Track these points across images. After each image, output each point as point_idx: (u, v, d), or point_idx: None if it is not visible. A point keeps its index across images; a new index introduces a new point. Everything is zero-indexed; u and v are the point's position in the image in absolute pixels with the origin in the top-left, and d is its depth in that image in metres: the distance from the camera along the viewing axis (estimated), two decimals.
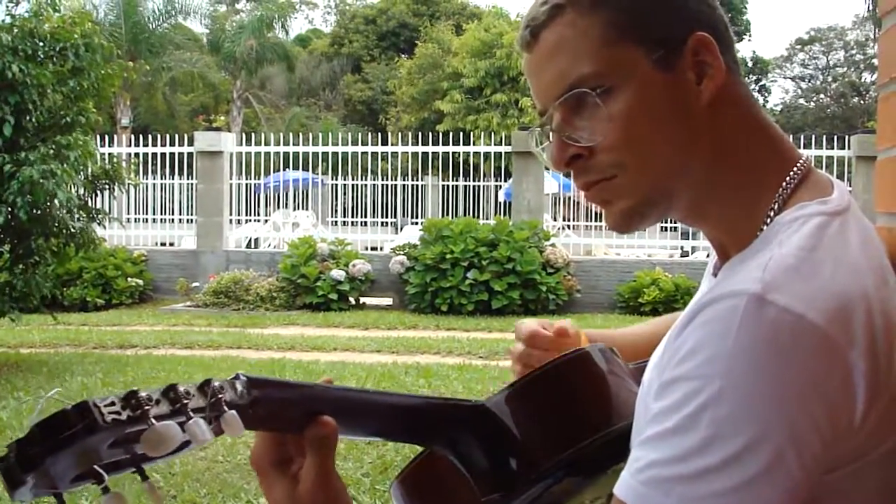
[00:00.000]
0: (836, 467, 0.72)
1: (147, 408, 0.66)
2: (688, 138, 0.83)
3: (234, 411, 0.72)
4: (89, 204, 7.58)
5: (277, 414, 0.80)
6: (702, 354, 0.71)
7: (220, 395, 0.72)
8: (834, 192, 0.84)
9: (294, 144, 13.46)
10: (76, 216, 7.15)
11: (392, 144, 14.88)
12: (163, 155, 14.16)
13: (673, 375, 0.73)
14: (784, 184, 0.84)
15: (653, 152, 0.83)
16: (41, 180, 6.41)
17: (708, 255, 1.05)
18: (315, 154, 14.12)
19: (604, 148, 0.83)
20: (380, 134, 17.93)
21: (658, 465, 0.72)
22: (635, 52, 0.82)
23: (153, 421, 0.66)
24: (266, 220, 15.84)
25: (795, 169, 0.85)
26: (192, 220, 13.82)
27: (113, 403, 0.65)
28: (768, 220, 0.82)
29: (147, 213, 15.86)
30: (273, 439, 0.85)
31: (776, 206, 0.82)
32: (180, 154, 13.87)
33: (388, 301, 11.97)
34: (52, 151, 6.70)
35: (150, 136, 13.96)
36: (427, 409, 0.93)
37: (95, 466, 0.66)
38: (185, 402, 0.69)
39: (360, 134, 16.31)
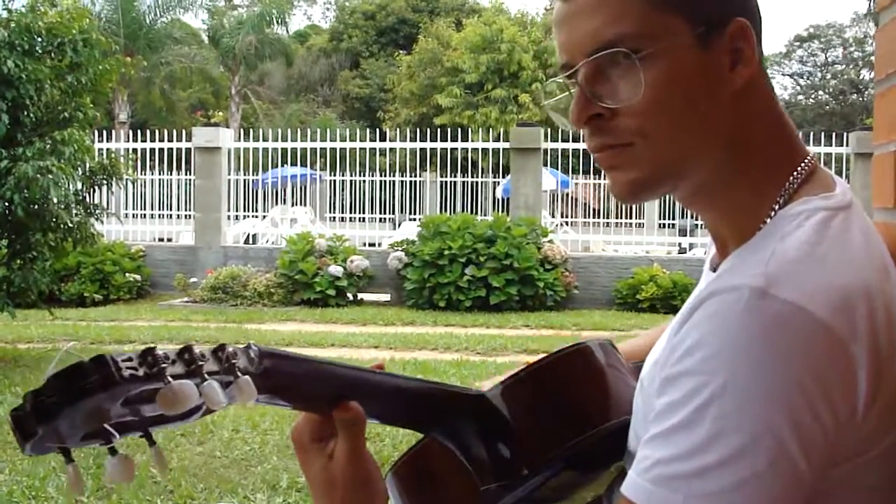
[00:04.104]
0: (839, 462, 0.72)
1: (164, 366, 0.66)
2: (712, 121, 0.82)
3: (247, 377, 0.72)
4: (87, 199, 7.57)
5: (287, 387, 0.81)
6: (704, 350, 0.71)
7: (233, 361, 0.72)
8: (837, 188, 0.84)
9: (292, 140, 13.45)
10: (74, 211, 7.14)
11: (390, 140, 14.87)
12: (161, 150, 14.13)
13: (675, 371, 0.73)
14: (790, 179, 0.83)
15: (677, 126, 0.81)
16: (37, 176, 6.40)
17: (706, 252, 1.05)
18: (313, 150, 14.12)
19: (629, 112, 0.81)
20: (378, 130, 17.93)
21: (665, 463, 0.71)
22: (679, 23, 0.80)
23: (170, 379, 0.66)
24: (264, 216, 15.81)
25: (802, 165, 0.85)
26: (190, 216, 13.81)
27: (130, 359, 0.65)
28: (772, 214, 0.82)
29: (145, 209, 15.84)
30: (314, 418, 0.88)
31: (781, 201, 0.82)
32: (178, 150, 13.86)
33: (385, 297, 11.97)
34: (48, 147, 6.69)
35: (148, 132, 13.94)
36: (430, 395, 0.93)
37: (106, 425, 0.66)
38: (201, 364, 0.69)
39: (358, 130, 16.31)
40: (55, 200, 6.67)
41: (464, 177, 18.22)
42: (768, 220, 0.81)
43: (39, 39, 6.95)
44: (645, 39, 0.79)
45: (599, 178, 17.56)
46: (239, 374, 0.72)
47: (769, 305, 0.70)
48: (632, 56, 0.79)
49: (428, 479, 0.96)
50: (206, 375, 0.69)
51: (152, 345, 0.68)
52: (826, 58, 43.19)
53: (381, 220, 17.33)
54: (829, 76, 42.97)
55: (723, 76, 0.82)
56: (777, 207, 0.82)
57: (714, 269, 0.93)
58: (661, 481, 0.71)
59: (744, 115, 0.83)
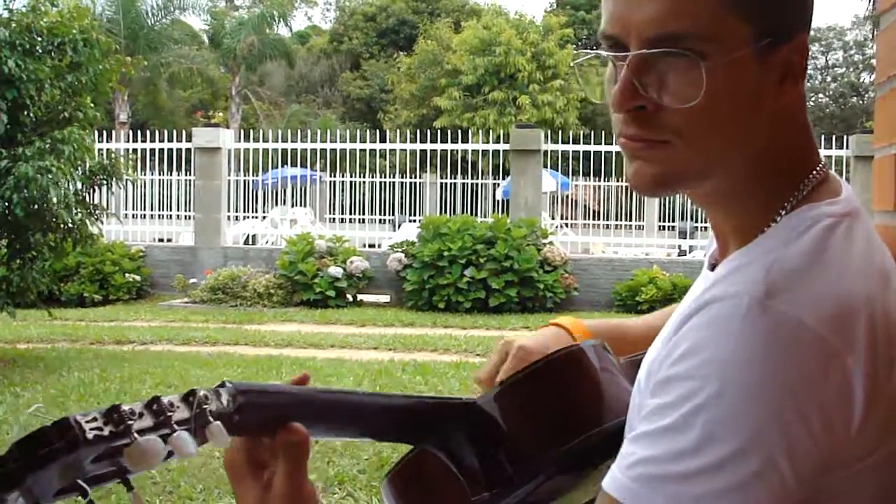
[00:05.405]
0: (830, 471, 0.72)
1: (130, 422, 0.66)
2: (749, 131, 0.80)
3: (218, 422, 0.71)
4: (87, 199, 7.57)
5: (262, 419, 0.79)
6: (700, 355, 0.71)
7: (204, 406, 0.72)
8: (843, 193, 0.83)
9: (292, 141, 13.45)
10: (74, 211, 7.14)
11: (390, 142, 14.87)
12: (161, 151, 14.14)
13: (670, 374, 0.73)
14: (801, 186, 0.83)
15: (717, 134, 0.79)
16: (37, 176, 6.40)
17: (705, 253, 1.04)
18: (313, 151, 14.11)
19: (675, 111, 0.78)
20: (378, 131, 17.93)
21: (649, 463, 0.71)
22: (745, 32, 0.77)
23: (136, 436, 0.65)
24: (264, 217, 15.82)
25: (815, 172, 0.84)
26: (189, 217, 13.81)
27: (95, 419, 0.65)
28: (777, 219, 0.81)
29: (145, 209, 15.84)
30: (248, 443, 0.84)
31: (788, 207, 0.82)
32: (178, 150, 13.86)
33: (385, 298, 11.96)
34: (48, 147, 6.69)
35: (148, 132, 13.94)
36: (417, 409, 0.92)
37: (79, 481, 0.66)
38: (170, 414, 0.69)
39: (358, 131, 16.31)
40: (55, 200, 6.66)
41: (464, 178, 18.22)
42: (772, 225, 0.81)
43: (40, 39, 6.95)
44: (710, 42, 0.76)
45: (599, 180, 17.58)
46: (210, 419, 0.71)
47: (767, 315, 0.70)
48: (697, 59, 0.76)
49: (421, 487, 0.96)
50: (175, 426, 0.68)
51: (117, 402, 0.68)
52: (826, 61, 43.21)
53: (380, 221, 17.32)
54: (829, 79, 42.99)
55: (770, 89, 0.80)
56: (783, 213, 0.81)
57: (712, 268, 0.93)
58: (643, 480, 0.71)
59: (778, 127, 0.82)
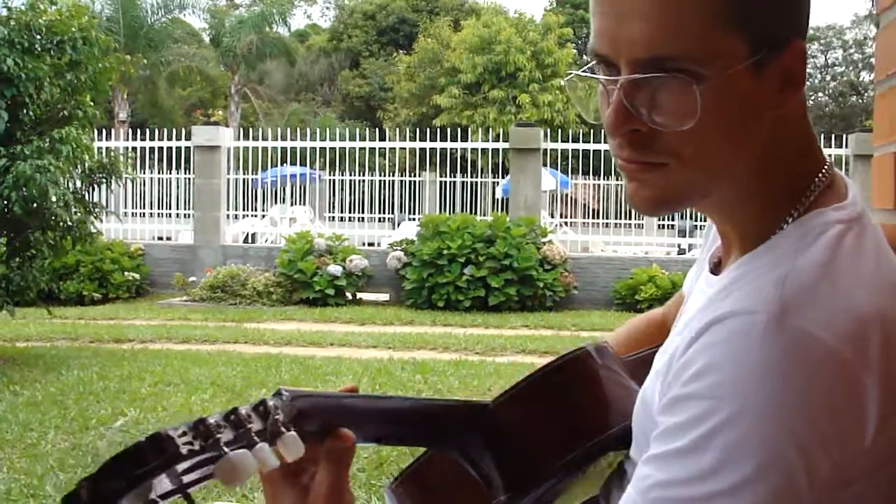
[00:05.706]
0: (843, 485, 0.71)
1: (218, 436, 0.65)
2: (749, 144, 0.79)
3: (293, 432, 0.70)
4: (86, 198, 7.56)
5: (313, 426, 0.78)
6: (715, 374, 0.70)
7: (276, 416, 0.71)
8: (849, 196, 0.82)
9: (292, 139, 13.44)
10: (73, 210, 7.13)
11: (390, 140, 14.87)
12: (160, 149, 14.12)
13: (683, 392, 0.72)
14: (808, 191, 0.81)
15: (716, 153, 0.77)
16: (35, 175, 6.40)
17: (705, 255, 1.03)
18: (313, 149, 14.11)
19: (671, 133, 0.76)
20: (377, 130, 17.92)
21: (666, 486, 0.71)
22: (739, 46, 0.74)
23: (226, 449, 0.64)
24: (263, 215, 15.81)
25: (821, 175, 0.83)
26: (189, 215, 13.80)
27: (185, 433, 0.64)
28: (784, 226, 0.80)
29: (144, 208, 15.82)
30: None
31: (795, 214, 0.80)
32: (178, 148, 13.84)
33: (384, 296, 11.96)
34: (46, 145, 6.69)
35: (147, 131, 13.93)
36: (438, 412, 0.93)
37: (155, 497, 0.63)
38: (249, 426, 0.68)
39: (357, 129, 16.30)
40: (53, 199, 6.65)
41: (463, 177, 18.20)
42: (779, 232, 0.80)
43: (39, 37, 6.93)
44: (704, 63, 0.73)
45: (599, 179, 17.58)
46: (283, 429, 0.70)
47: (784, 333, 0.69)
48: (690, 81, 0.73)
49: (433, 494, 0.96)
50: (255, 438, 0.67)
51: (203, 416, 0.66)
52: (826, 60, 43.23)
53: (380, 219, 17.31)
54: (828, 78, 43.00)
55: (769, 100, 0.77)
56: (790, 220, 0.80)
57: (713, 270, 0.92)
58: (661, 503, 0.71)
59: (779, 135, 0.80)
